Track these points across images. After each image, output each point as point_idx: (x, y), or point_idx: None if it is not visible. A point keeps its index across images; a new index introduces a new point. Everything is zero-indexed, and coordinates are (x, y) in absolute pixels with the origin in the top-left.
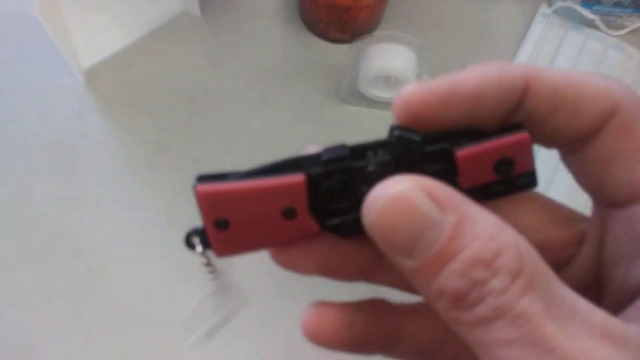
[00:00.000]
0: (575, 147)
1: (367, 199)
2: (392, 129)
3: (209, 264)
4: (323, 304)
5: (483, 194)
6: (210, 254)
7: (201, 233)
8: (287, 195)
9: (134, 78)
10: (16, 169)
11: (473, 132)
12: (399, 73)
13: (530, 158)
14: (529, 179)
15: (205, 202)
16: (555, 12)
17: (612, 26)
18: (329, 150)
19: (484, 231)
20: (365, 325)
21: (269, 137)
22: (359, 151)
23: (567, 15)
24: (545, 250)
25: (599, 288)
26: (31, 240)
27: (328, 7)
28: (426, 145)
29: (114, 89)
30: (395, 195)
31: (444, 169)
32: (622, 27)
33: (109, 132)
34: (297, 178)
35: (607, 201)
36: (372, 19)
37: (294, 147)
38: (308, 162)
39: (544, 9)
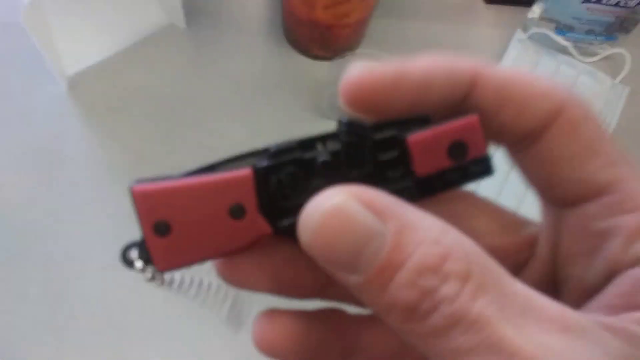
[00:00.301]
0: (523, 145)
1: (300, 217)
2: (341, 120)
3: (154, 278)
4: (276, 313)
5: (440, 183)
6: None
7: (140, 245)
8: (233, 191)
9: (117, 87)
10: None
11: (423, 120)
12: None
13: (482, 141)
14: (484, 165)
15: (143, 203)
16: (530, 37)
17: (584, 53)
18: (276, 144)
19: (427, 236)
20: (321, 335)
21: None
22: (307, 143)
23: (542, 42)
24: (499, 255)
25: (555, 289)
26: (7, 245)
27: (310, 25)
28: (376, 133)
29: (97, 97)
30: (330, 210)
31: (396, 156)
32: (594, 54)
33: (90, 140)
34: (243, 172)
35: (557, 200)
36: (353, 38)
37: None
38: (255, 157)
39: (519, 34)
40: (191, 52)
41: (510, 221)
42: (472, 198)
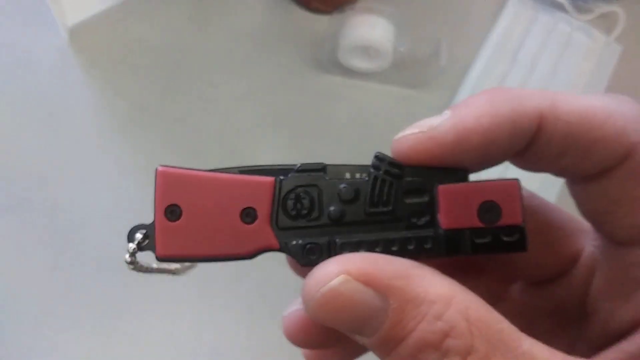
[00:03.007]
0: (582, 181)
1: (302, 291)
2: (377, 154)
3: (135, 268)
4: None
5: (467, 243)
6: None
7: (149, 227)
8: (250, 194)
9: (118, 38)
10: None
11: (462, 174)
12: (377, 44)
13: (518, 208)
14: (517, 236)
15: (164, 183)
16: None
17: (580, 10)
18: (305, 164)
19: (429, 311)
20: None
21: (250, 102)
22: (336, 170)
23: None
24: (537, 267)
25: (581, 313)
26: (11, 191)
27: None
28: (408, 175)
29: (98, 48)
30: (328, 293)
31: (423, 202)
32: (589, 12)
33: (91, 90)
34: (265, 179)
35: (608, 235)
36: None
37: (275, 115)
38: (282, 172)
39: None
40: (193, 5)
41: (563, 229)
42: (539, 199)
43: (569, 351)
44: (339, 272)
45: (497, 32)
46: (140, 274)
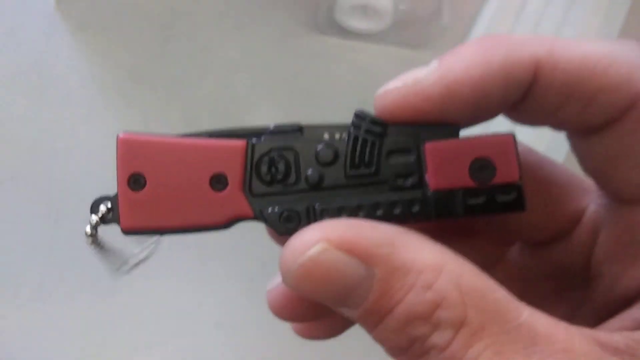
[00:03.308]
0: (585, 133)
1: (280, 261)
2: (357, 111)
3: (94, 241)
4: None
5: (458, 205)
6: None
7: (112, 199)
8: (220, 160)
9: (106, 3)
10: None
11: (451, 129)
12: (376, 2)
13: (514, 163)
14: (515, 195)
15: (125, 151)
16: None
17: None
18: (277, 124)
19: (418, 281)
20: None
21: (244, 66)
22: (313, 130)
23: None
24: (536, 228)
25: (583, 277)
26: (4, 162)
27: None
28: (392, 133)
29: (86, 13)
30: (307, 263)
31: (410, 162)
32: None
33: (80, 56)
34: (236, 142)
35: (613, 193)
36: None
37: (269, 78)
38: (255, 134)
39: None
40: None
41: (565, 187)
42: (536, 155)
43: (569, 318)
44: (318, 239)
45: None
46: (97, 253)
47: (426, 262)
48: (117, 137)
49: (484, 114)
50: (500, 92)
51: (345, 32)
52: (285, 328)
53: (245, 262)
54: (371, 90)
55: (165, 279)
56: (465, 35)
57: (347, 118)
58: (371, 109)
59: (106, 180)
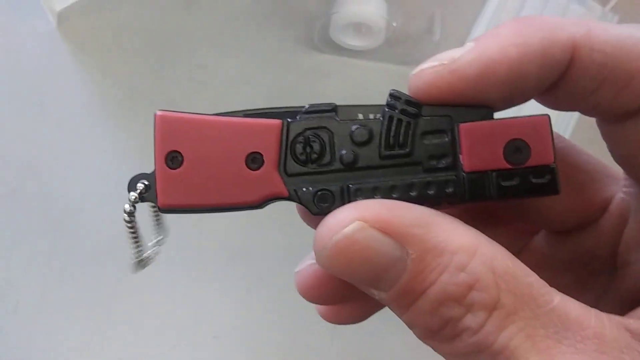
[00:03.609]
0: (617, 119)
1: (314, 240)
2: (392, 93)
3: (131, 220)
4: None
5: (492, 187)
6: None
7: (149, 177)
8: (256, 139)
9: (107, 22)
10: None
11: (485, 111)
12: (369, 20)
13: (549, 147)
14: (548, 178)
15: (163, 128)
16: None
17: None
18: (315, 104)
19: (452, 261)
20: None
21: (241, 83)
22: (347, 110)
23: None
24: (562, 215)
25: (610, 266)
26: (2, 179)
27: None
28: (427, 113)
29: (87, 33)
30: (343, 240)
31: (444, 143)
32: None
33: (80, 76)
34: (272, 121)
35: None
36: None
37: (267, 95)
38: (290, 114)
39: None
40: None
41: (593, 174)
42: (566, 141)
43: (593, 306)
44: (354, 218)
45: (491, 6)
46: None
47: (460, 244)
48: (155, 114)
49: (518, 96)
50: (536, 72)
51: (340, 49)
52: (283, 340)
53: (243, 274)
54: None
55: (164, 291)
56: None
57: None
58: None
59: (104, 196)
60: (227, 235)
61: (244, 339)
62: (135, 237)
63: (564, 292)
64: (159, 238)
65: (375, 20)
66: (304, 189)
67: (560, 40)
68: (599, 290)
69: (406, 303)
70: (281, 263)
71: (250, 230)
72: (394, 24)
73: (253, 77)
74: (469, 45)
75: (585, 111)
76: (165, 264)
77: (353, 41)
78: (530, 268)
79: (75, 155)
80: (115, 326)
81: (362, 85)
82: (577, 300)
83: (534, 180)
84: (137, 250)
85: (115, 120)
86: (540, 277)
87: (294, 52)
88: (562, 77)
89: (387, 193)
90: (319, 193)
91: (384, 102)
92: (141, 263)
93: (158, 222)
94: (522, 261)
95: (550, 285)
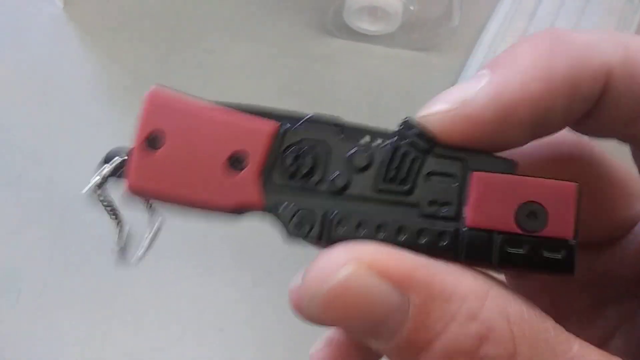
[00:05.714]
0: None
1: (304, 283)
2: (405, 121)
3: (100, 195)
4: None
5: (495, 251)
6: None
7: (129, 153)
8: (246, 137)
9: (114, 5)
10: None
11: (507, 164)
12: (385, 3)
13: (571, 218)
14: (564, 254)
15: (153, 104)
16: None
17: None
18: (320, 115)
19: (462, 308)
20: None
21: (251, 69)
22: (353, 129)
23: None
24: (582, 229)
25: (633, 290)
26: (6, 166)
27: None
28: (438, 152)
29: (94, 16)
30: (338, 285)
31: (450, 189)
32: None
33: (87, 60)
34: (267, 124)
35: None
36: None
37: (277, 82)
38: (291, 119)
39: None
40: None
41: (621, 189)
42: (594, 152)
43: (609, 336)
44: (350, 260)
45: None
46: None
47: (470, 288)
48: (150, 89)
49: (543, 133)
50: (564, 108)
51: (354, 34)
52: (289, 334)
53: (249, 267)
54: (380, 92)
55: (169, 283)
56: (476, 37)
57: (355, 120)
58: (381, 110)
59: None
60: (233, 228)
61: (249, 332)
62: (115, 217)
63: (578, 318)
64: (157, 223)
65: (392, 4)
66: (285, 204)
67: (592, 67)
68: (618, 318)
69: (409, 357)
70: (287, 256)
71: (256, 223)
72: (412, 8)
73: (263, 63)
74: (484, 77)
75: (621, 140)
76: (170, 256)
77: (368, 26)
78: (543, 287)
79: (80, 141)
80: (120, 318)
81: (377, 71)
82: (594, 325)
83: (545, 254)
84: (118, 234)
85: (121, 105)
86: (552, 300)
87: (305, 37)
88: (592, 109)
89: (372, 231)
90: (300, 212)
91: (400, 124)
92: (125, 252)
93: (150, 209)
94: (535, 279)
95: (562, 309)
